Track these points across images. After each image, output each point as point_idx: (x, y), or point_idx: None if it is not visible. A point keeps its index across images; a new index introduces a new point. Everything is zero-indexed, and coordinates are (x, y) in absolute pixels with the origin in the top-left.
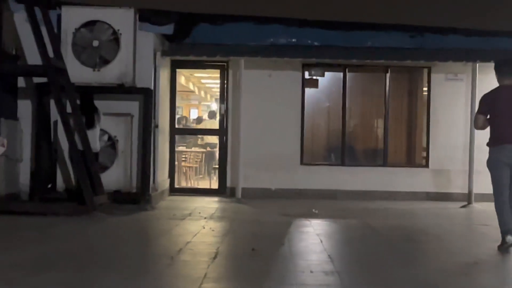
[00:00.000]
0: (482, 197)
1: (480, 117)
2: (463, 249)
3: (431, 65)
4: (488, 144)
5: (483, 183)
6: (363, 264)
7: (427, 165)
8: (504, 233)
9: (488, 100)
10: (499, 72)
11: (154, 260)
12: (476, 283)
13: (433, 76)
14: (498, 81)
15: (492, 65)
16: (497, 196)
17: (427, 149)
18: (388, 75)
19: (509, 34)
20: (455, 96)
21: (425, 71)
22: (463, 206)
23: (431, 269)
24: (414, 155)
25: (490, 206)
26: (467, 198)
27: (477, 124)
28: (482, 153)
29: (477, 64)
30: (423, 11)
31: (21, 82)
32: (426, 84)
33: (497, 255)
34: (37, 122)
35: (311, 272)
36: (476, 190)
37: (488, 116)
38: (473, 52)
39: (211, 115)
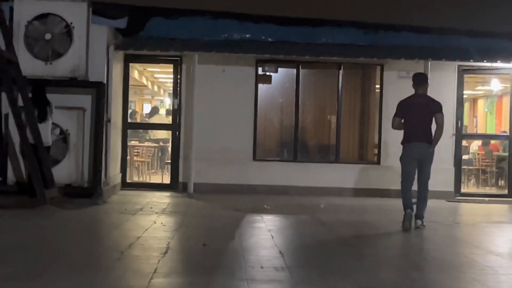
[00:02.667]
0: (432, 194)
1: (396, 119)
2: (412, 244)
3: (384, 62)
4: (401, 142)
5: (434, 180)
6: (313, 260)
7: (378, 162)
8: (405, 208)
9: (403, 106)
10: (415, 82)
11: (104, 254)
12: (425, 276)
13: (385, 73)
14: (414, 89)
15: (443, 62)
16: (404, 183)
17: (378, 146)
18: (341, 72)
19: (459, 32)
20: (407, 93)
21: (378, 68)
22: (414, 203)
23: (383, 264)
24: (366, 151)
25: (440, 203)
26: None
27: (393, 125)
28: (437, 148)
29: (429, 62)
30: (376, 8)
31: None
32: (379, 82)
33: (446, 250)
34: None
35: (262, 267)
36: None
37: (403, 119)
38: (425, 50)
39: (163, 110)
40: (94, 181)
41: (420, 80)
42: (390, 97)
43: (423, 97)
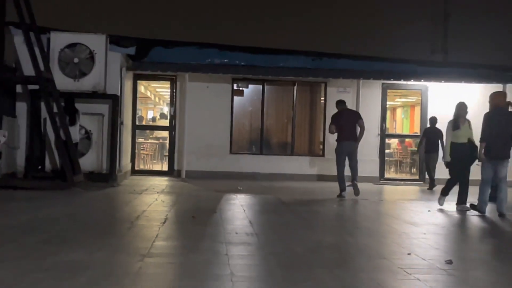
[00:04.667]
0: (363, 179)
1: (332, 126)
2: (348, 216)
3: (327, 81)
4: (336, 140)
5: (364, 168)
6: (275, 228)
7: (323, 155)
8: (341, 191)
9: (336, 117)
10: (339, 105)
11: (118, 224)
12: (358, 242)
13: (328, 89)
14: (338, 109)
15: (371, 81)
16: (339, 169)
17: (323, 143)
18: (295, 88)
19: (383, 59)
20: None
21: (323, 85)
22: (349, 185)
23: (326, 231)
24: (314, 147)
25: (369, 186)
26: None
27: (330, 131)
28: (364, 146)
29: (361, 81)
30: (320, 40)
31: (18, 88)
32: (323, 95)
33: (372, 221)
34: (31, 119)
35: (236, 233)
36: (359, 173)
37: (335, 126)
38: (357, 72)
39: (162, 116)
40: (111, 169)
41: (342, 104)
42: (332, 107)
43: (347, 110)
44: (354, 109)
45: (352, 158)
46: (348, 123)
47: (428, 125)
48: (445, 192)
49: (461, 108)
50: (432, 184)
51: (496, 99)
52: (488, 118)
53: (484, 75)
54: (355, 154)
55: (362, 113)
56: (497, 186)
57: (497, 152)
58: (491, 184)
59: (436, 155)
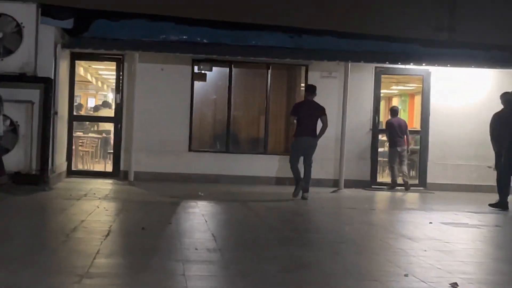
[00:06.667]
0: (350, 183)
1: (292, 117)
2: (333, 228)
3: (308, 63)
4: (293, 135)
5: (351, 170)
6: (243, 243)
7: None
8: (297, 180)
9: (296, 107)
10: (307, 91)
11: (50, 236)
12: (344, 260)
13: (310, 73)
14: (305, 96)
15: (362, 64)
16: (293, 166)
17: None
18: (269, 71)
19: (376, 37)
20: (329, 92)
21: (303, 69)
22: (334, 191)
23: (305, 246)
24: (292, 144)
25: (358, 192)
26: (337, 184)
27: (290, 122)
28: (353, 144)
29: (349, 64)
30: (301, 13)
31: None
32: (304, 81)
33: (368, 234)
34: None
35: (196, 249)
36: (345, 176)
37: (296, 118)
38: (345, 53)
39: (105, 104)
40: (42, 169)
41: (312, 90)
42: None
43: (311, 103)
44: (342, 98)
45: (307, 157)
46: (308, 117)
47: (390, 117)
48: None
49: None
50: (394, 185)
51: None
52: None
53: (499, 58)
54: (311, 152)
55: (350, 104)
56: None
57: None
58: None
59: (396, 150)
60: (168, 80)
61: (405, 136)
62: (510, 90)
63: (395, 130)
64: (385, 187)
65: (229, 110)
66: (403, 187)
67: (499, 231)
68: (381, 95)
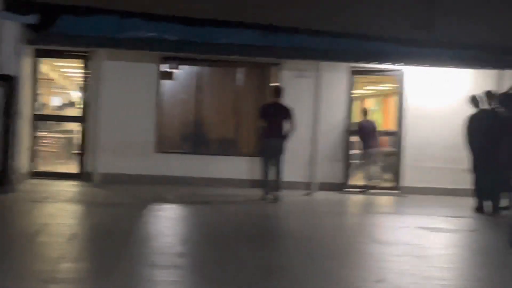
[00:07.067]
0: (323, 186)
1: (260, 120)
2: (304, 232)
3: (281, 62)
4: (261, 137)
5: (324, 172)
6: (212, 247)
7: None
8: (264, 183)
9: (263, 109)
10: (274, 92)
11: (11, 240)
12: (315, 265)
13: (282, 72)
14: (272, 97)
15: (336, 64)
16: (262, 167)
17: None
18: (241, 70)
19: (351, 36)
20: (302, 91)
21: (275, 68)
22: (306, 194)
23: (276, 250)
24: None
25: (331, 195)
26: (310, 186)
27: (259, 125)
28: (326, 145)
29: (323, 63)
30: (273, 10)
31: None
32: (276, 80)
33: (340, 239)
34: None
35: (163, 253)
36: (318, 179)
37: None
38: (319, 51)
39: (71, 104)
40: (3, 170)
41: (279, 92)
42: (286, 95)
43: (276, 105)
44: (314, 99)
45: (277, 159)
46: (276, 118)
47: (362, 118)
48: None
49: None
50: (367, 188)
51: None
52: None
53: (478, 58)
54: (280, 154)
55: (323, 104)
56: None
57: None
58: None
59: (368, 152)
60: (135, 79)
61: (377, 137)
62: (480, 92)
63: (367, 132)
64: (358, 190)
65: (197, 110)
66: (376, 190)
67: (475, 235)
68: (356, 95)
